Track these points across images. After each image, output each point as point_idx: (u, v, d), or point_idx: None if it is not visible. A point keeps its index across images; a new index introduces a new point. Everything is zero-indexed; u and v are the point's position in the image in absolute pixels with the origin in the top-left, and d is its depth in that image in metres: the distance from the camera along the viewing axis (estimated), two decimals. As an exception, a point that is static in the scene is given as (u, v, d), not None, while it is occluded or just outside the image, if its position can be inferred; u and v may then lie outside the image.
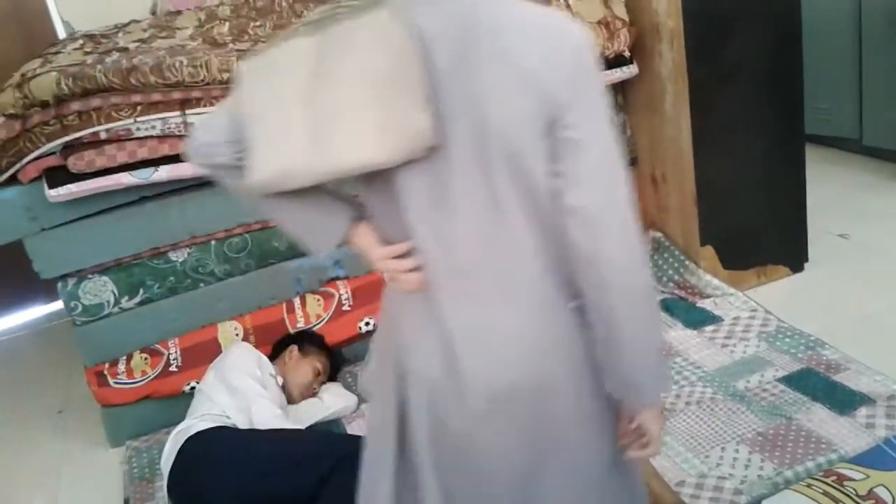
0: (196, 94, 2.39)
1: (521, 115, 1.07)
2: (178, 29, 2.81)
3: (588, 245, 1.11)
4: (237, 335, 2.70)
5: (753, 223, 2.93)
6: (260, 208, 1.23)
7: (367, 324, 2.83)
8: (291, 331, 2.74)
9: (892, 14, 3.52)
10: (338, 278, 2.86)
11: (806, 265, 3.03)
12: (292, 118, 1.10)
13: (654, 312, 1.24)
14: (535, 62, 1.07)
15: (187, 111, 2.37)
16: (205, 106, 2.40)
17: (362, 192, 1.21)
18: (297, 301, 2.80)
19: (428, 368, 1.21)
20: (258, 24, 2.75)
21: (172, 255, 2.62)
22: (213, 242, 2.65)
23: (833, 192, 3.52)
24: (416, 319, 1.23)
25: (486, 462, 1.25)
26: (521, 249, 1.15)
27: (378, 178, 1.13)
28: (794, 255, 3.02)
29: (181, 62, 2.33)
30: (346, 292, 2.82)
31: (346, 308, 2.82)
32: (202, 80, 2.35)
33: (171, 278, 2.62)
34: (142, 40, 2.70)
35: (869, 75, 3.72)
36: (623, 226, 1.12)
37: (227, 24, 2.80)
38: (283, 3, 2.85)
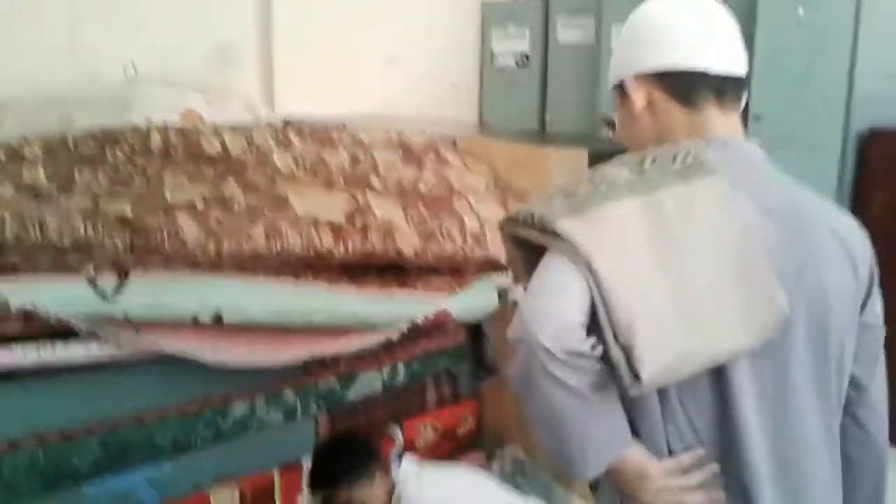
0: (14, 258, 1.76)
1: (850, 287, 1.08)
2: (-29, 167, 2.14)
3: (878, 434, 1.19)
4: None
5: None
6: (543, 416, 1.01)
7: (187, 569, 2.18)
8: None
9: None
10: (150, 506, 2.20)
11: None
12: (658, 294, 0.96)
13: None
14: (853, 244, 1.10)
15: (-1, 281, 1.73)
16: (25, 272, 1.77)
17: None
18: (91, 539, 2.08)
19: None
20: (90, 173, 2.18)
21: (-79, 481, 1.82)
22: (-13, 460, 1.90)
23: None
24: None
25: None
26: (833, 444, 1.12)
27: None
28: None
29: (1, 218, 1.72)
30: (161, 525, 2.17)
31: (158, 547, 2.16)
32: (32, 243, 1.74)
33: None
34: (-79, 176, 2.00)
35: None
36: None
37: (42, 169, 2.19)
38: (119, 155, 2.32)
